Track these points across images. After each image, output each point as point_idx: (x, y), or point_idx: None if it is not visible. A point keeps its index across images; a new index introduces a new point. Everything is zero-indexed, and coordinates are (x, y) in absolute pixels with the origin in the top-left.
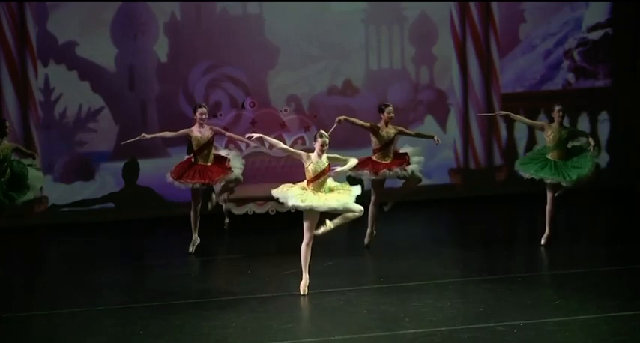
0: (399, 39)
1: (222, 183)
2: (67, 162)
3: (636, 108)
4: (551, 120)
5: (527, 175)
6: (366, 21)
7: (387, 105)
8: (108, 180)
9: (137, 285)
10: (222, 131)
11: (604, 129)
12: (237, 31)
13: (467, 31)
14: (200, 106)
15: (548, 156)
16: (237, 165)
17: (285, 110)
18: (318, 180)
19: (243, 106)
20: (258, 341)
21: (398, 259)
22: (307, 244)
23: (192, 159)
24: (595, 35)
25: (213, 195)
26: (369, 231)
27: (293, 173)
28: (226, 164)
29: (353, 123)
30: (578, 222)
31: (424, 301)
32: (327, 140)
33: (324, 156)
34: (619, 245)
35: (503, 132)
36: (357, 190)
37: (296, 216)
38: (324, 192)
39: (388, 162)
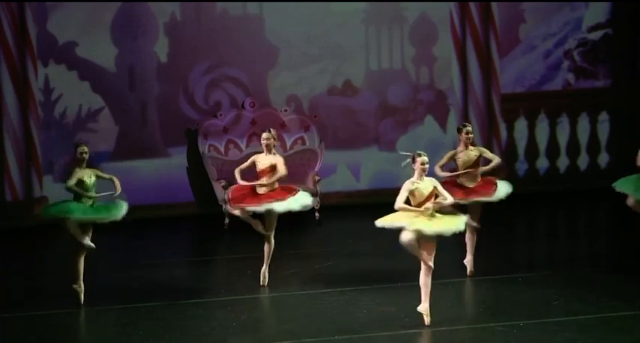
0: (399, 39)
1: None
2: (67, 162)
3: (636, 108)
4: None
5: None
6: (366, 21)
7: (464, 126)
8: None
9: (137, 285)
10: (279, 166)
11: (604, 129)
12: (237, 31)
13: (467, 31)
14: (263, 131)
15: None
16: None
17: (285, 110)
18: (423, 206)
19: (243, 106)
20: (258, 341)
21: (398, 259)
22: (427, 274)
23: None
24: (595, 35)
25: None
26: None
27: (292, 173)
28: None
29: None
30: (578, 221)
31: None
32: (426, 159)
33: (426, 179)
34: (619, 245)
35: (503, 133)
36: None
37: (296, 216)
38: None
39: (474, 186)
